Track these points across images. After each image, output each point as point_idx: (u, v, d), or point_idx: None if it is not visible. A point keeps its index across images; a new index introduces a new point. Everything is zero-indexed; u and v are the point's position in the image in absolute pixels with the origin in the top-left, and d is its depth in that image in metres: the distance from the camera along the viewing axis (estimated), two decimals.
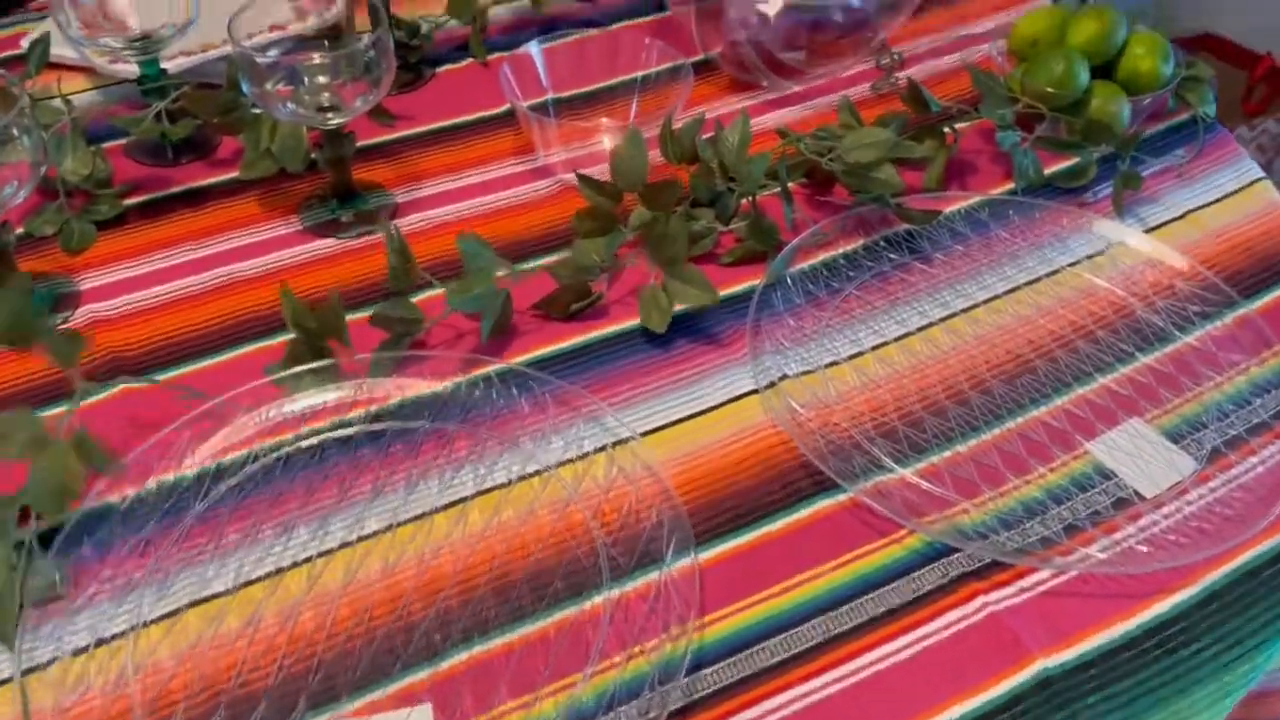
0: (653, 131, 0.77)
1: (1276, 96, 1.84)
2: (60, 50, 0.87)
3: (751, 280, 0.73)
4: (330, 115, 0.73)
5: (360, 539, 0.58)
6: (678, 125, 0.78)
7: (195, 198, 0.80)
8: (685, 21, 0.92)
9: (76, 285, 0.73)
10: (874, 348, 0.69)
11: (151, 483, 0.60)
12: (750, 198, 0.75)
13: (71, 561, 0.55)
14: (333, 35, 0.82)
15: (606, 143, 0.85)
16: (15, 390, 0.66)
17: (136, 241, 0.76)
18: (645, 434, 0.63)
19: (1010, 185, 0.82)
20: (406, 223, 0.78)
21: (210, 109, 0.76)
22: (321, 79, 0.73)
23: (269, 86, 0.72)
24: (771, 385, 0.65)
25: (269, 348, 0.69)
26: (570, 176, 0.82)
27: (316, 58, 0.74)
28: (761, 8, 0.86)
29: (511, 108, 0.87)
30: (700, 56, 0.91)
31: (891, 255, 0.75)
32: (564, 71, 0.87)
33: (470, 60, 0.94)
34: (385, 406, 0.64)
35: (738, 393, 0.66)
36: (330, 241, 0.77)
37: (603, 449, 0.62)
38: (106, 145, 0.81)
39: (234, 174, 0.81)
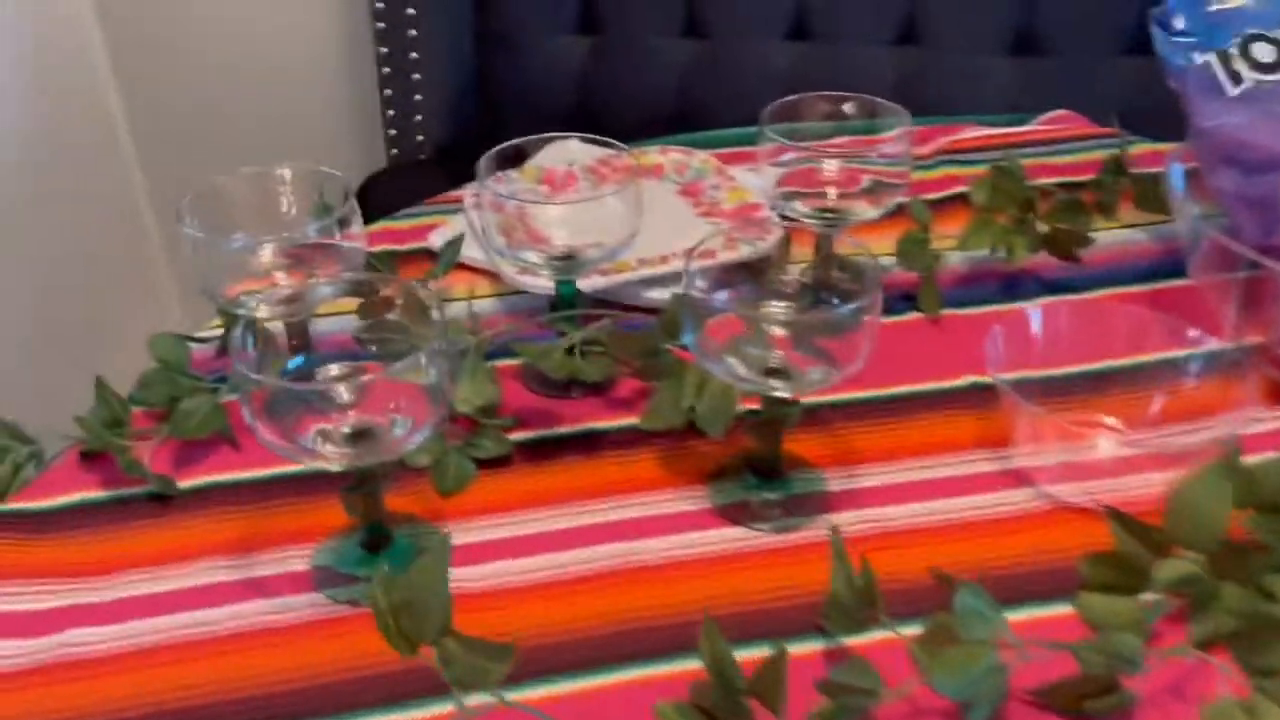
0: (1147, 441, 0.56)
1: None
2: (466, 250, 0.79)
3: None
4: (775, 381, 0.57)
5: None
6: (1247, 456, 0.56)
7: (587, 443, 0.67)
8: (1211, 299, 0.71)
9: (441, 535, 0.60)
10: None
11: None
12: None
13: None
14: (766, 268, 0.69)
15: (1104, 448, 0.65)
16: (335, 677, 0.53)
17: (515, 488, 0.63)
18: None
19: None
20: (840, 521, 0.60)
21: (632, 350, 0.63)
22: (777, 332, 0.58)
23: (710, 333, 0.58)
24: None
25: (661, 676, 0.52)
26: (1064, 492, 0.61)
27: (774, 307, 0.60)
28: None
29: (974, 381, 0.69)
30: (1228, 344, 0.69)
31: None
32: (1052, 346, 0.68)
33: (916, 314, 0.78)
34: None
35: None
36: (742, 531, 0.60)
37: None
38: (497, 364, 0.70)
39: (632, 419, 0.67)
